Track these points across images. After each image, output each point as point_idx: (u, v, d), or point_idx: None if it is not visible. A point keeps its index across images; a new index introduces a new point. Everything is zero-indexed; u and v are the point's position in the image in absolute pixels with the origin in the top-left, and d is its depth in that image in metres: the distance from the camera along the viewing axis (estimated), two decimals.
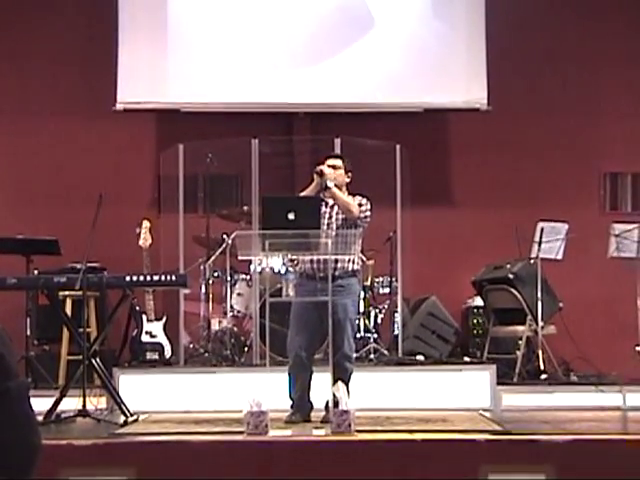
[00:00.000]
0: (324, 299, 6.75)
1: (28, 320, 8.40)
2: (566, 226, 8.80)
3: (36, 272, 8.19)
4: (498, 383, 7.97)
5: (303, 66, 9.94)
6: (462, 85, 9.89)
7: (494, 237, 9.44)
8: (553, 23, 10.36)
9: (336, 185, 7.03)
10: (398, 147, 9.05)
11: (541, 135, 10.26)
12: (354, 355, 7.10)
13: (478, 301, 9.47)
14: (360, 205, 7.03)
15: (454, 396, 7.86)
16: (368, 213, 7.06)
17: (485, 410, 7.61)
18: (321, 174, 6.99)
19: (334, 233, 6.87)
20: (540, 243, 8.68)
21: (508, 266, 8.84)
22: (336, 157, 7.36)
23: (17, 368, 2.48)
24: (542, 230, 8.72)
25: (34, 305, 8.77)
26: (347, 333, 6.91)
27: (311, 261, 7.06)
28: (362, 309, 9.05)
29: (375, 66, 9.91)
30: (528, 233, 8.76)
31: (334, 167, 7.16)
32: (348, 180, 7.22)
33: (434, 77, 9.94)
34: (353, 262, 7.01)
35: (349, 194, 7.18)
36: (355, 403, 6.19)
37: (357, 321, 6.97)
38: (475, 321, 9.58)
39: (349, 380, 6.84)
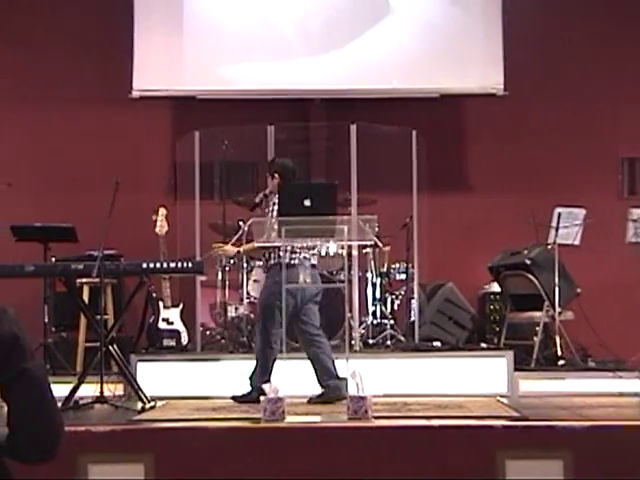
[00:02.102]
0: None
1: (46, 307, 8.44)
2: (583, 211, 8.75)
3: (53, 259, 8.24)
4: (515, 369, 7.95)
5: (319, 52, 9.93)
6: (478, 70, 9.86)
7: (511, 223, 9.37)
8: (569, 7, 10.29)
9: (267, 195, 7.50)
10: (414, 133, 9.02)
11: (558, 120, 10.22)
12: (269, 337, 7.16)
13: (495, 287, 9.43)
14: None
15: (471, 382, 7.84)
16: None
17: (502, 396, 7.58)
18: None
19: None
20: (557, 228, 8.64)
21: (525, 252, 8.78)
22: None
23: (33, 351, 2.54)
24: (559, 215, 8.68)
25: (52, 292, 8.79)
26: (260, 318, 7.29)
27: None
28: (379, 295, 9.07)
29: (391, 52, 9.88)
30: (545, 218, 8.72)
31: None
32: (276, 179, 7.46)
33: (450, 62, 9.90)
34: (278, 255, 7.20)
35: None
36: (372, 389, 6.17)
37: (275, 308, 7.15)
38: (492, 307, 9.54)
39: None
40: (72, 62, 10.11)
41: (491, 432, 5.73)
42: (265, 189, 7.63)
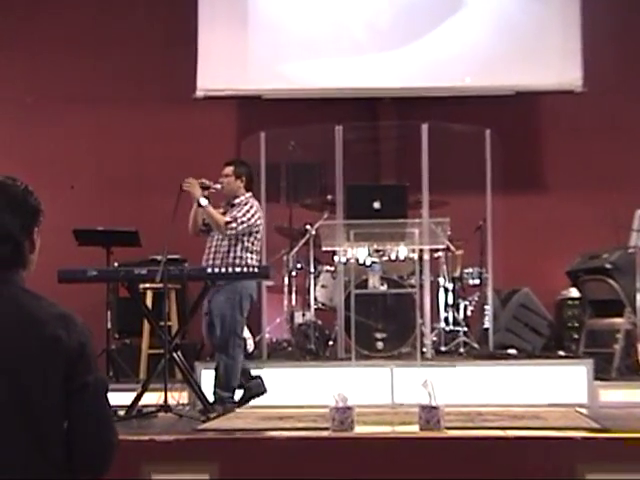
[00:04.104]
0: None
1: (109, 313, 8.44)
2: None
3: (116, 264, 8.17)
4: (595, 378, 7.77)
5: (388, 49, 9.88)
6: (555, 66, 9.76)
7: (590, 225, 9.34)
8: None
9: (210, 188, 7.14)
10: (488, 132, 8.88)
11: (639, 117, 10.01)
12: (231, 350, 7.02)
13: (573, 292, 9.28)
14: (235, 220, 7.02)
15: (548, 391, 7.68)
16: (245, 225, 7.04)
17: (581, 406, 7.41)
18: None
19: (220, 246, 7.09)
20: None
21: (605, 255, 8.64)
22: (227, 164, 7.39)
23: (97, 363, 2.58)
24: None
25: (115, 298, 8.82)
26: (219, 328, 7.01)
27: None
28: (451, 301, 8.88)
29: (464, 48, 9.83)
30: (626, 220, 8.52)
31: (225, 175, 7.26)
32: (242, 184, 7.24)
33: (526, 58, 9.81)
34: (232, 265, 7.01)
35: (249, 194, 7.27)
36: (444, 398, 6.04)
37: (240, 317, 7.08)
38: (570, 313, 9.34)
39: (225, 373, 7.00)
40: (137, 63, 10.23)
41: (570, 444, 5.58)
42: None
